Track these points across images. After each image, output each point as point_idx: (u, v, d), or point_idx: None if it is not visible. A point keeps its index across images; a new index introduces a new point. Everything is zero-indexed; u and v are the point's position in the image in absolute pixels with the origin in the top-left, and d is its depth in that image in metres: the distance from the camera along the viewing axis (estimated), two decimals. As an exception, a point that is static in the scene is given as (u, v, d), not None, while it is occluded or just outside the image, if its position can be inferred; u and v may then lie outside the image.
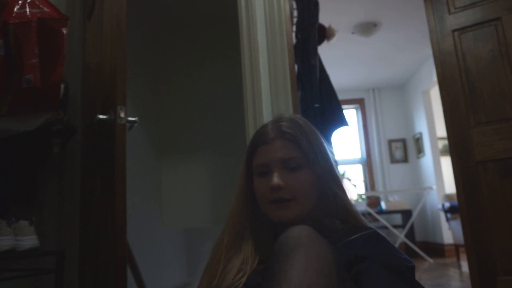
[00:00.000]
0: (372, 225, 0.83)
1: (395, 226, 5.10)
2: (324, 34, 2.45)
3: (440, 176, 5.14)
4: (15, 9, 1.60)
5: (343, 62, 5.09)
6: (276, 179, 0.81)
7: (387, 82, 5.98)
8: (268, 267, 0.72)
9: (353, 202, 0.85)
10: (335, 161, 0.91)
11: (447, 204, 4.17)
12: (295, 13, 2.21)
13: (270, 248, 0.77)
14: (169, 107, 2.89)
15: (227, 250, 0.85)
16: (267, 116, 1.56)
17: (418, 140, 5.64)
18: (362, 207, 5.22)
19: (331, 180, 0.85)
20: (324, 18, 2.45)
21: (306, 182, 0.82)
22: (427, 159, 5.37)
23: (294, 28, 2.18)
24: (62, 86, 1.81)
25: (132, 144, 1.83)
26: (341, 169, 5.60)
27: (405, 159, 5.93)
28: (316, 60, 2.11)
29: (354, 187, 5.72)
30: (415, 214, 4.89)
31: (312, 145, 0.85)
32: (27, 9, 1.62)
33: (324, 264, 0.62)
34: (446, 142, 3.86)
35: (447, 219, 4.29)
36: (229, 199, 0.94)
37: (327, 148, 0.89)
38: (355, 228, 0.80)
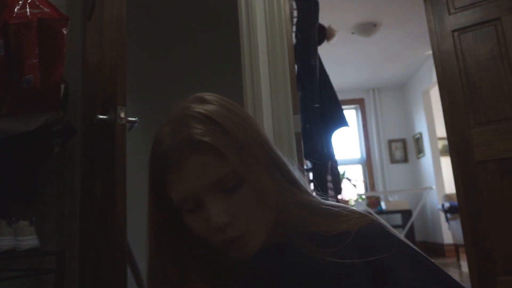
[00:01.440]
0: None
1: (395, 226, 5.10)
2: (324, 34, 2.45)
3: (440, 176, 5.14)
4: (16, 9, 1.60)
5: (343, 62, 5.09)
6: (215, 217, 0.54)
7: (387, 82, 5.98)
8: None
9: (316, 197, 0.64)
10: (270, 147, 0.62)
11: (447, 204, 4.17)
12: (295, 13, 2.22)
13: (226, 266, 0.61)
14: (169, 107, 2.89)
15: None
16: (267, 116, 1.55)
17: (418, 140, 5.64)
18: (362, 207, 5.22)
19: (281, 175, 0.60)
20: (324, 18, 2.45)
21: (255, 198, 0.56)
22: (427, 159, 5.37)
23: (294, 28, 2.18)
24: (62, 86, 1.81)
25: (132, 144, 1.83)
26: (341, 169, 5.59)
27: (405, 159, 5.93)
28: (316, 60, 2.12)
29: (354, 187, 5.72)
30: (415, 214, 4.89)
31: (244, 144, 0.56)
32: (28, 10, 1.63)
33: None
34: (446, 142, 3.86)
35: (447, 219, 4.29)
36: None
37: (260, 131, 0.61)
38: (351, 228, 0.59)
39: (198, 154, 0.54)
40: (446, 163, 5.04)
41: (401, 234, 4.81)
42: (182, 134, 0.55)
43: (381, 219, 0.62)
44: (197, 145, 0.54)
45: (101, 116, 1.47)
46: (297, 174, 0.63)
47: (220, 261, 0.62)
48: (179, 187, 0.55)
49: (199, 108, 0.58)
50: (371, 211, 4.93)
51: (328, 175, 2.05)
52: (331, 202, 0.64)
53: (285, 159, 0.62)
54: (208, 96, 0.62)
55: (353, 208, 0.64)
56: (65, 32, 1.70)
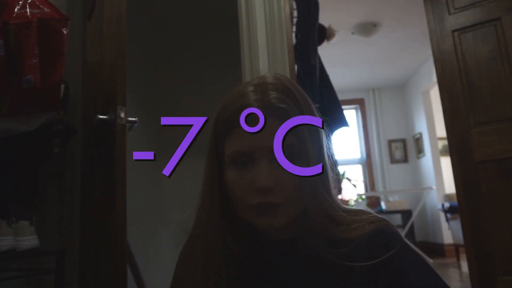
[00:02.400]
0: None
1: (395, 226, 5.10)
2: (324, 34, 2.45)
3: (440, 176, 5.14)
4: (16, 9, 1.60)
5: (343, 62, 5.10)
6: (265, 179, 0.57)
7: (387, 82, 5.98)
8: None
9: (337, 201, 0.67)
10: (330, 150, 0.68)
11: (447, 204, 4.17)
12: (295, 13, 2.22)
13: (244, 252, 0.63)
14: (169, 107, 2.89)
15: (202, 266, 0.63)
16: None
17: (418, 140, 5.64)
18: (362, 207, 5.22)
19: (324, 176, 0.63)
20: (324, 18, 2.45)
21: (297, 180, 0.59)
22: (427, 159, 5.37)
23: (294, 28, 2.18)
24: (62, 86, 1.81)
25: (132, 144, 1.83)
26: (341, 169, 5.60)
27: (405, 159, 5.93)
28: (316, 60, 2.12)
29: (354, 187, 5.72)
30: (415, 214, 4.89)
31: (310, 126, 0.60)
32: (28, 10, 1.63)
33: None
34: (446, 142, 3.86)
35: (447, 219, 4.29)
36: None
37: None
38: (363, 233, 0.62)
39: (275, 117, 0.58)
40: (446, 163, 5.04)
41: (401, 234, 4.81)
42: (263, 96, 0.60)
43: (381, 218, 0.64)
44: (274, 110, 0.58)
45: (101, 116, 1.47)
46: (331, 174, 0.65)
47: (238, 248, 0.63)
48: (242, 140, 0.59)
49: (276, 80, 0.63)
50: (371, 211, 4.93)
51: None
52: (349, 207, 0.66)
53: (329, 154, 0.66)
54: (279, 74, 0.67)
55: (369, 212, 0.66)
56: (65, 32, 1.70)
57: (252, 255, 0.64)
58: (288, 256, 0.63)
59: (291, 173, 0.58)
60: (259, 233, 0.64)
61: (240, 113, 0.59)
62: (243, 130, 0.59)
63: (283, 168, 0.58)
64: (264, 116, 0.58)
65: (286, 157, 0.57)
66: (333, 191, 0.65)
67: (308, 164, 0.58)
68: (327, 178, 0.64)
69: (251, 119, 0.58)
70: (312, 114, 0.62)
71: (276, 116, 0.58)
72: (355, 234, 0.61)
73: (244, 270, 0.63)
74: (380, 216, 0.64)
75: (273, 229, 0.60)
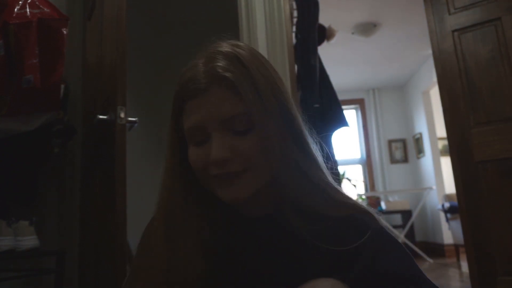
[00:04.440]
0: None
1: (395, 226, 5.11)
2: (324, 34, 2.45)
3: (440, 176, 5.14)
4: (16, 9, 1.60)
5: (343, 62, 5.09)
6: (216, 151, 0.55)
7: (387, 82, 5.98)
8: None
9: (327, 176, 0.63)
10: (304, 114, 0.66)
11: (447, 204, 4.17)
12: (295, 13, 2.22)
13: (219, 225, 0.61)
14: (169, 107, 2.89)
15: (166, 237, 0.60)
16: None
17: (418, 140, 5.64)
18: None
19: (294, 140, 0.60)
20: (324, 18, 2.45)
21: (260, 146, 0.56)
22: (427, 159, 5.37)
23: (294, 28, 2.18)
24: (62, 86, 1.81)
25: (132, 144, 1.83)
26: (341, 169, 5.59)
27: (405, 159, 5.93)
28: (316, 60, 2.12)
29: (354, 187, 5.72)
30: (415, 214, 4.89)
31: (264, 90, 0.57)
32: (28, 10, 1.63)
33: None
34: (446, 142, 3.86)
35: (447, 219, 4.29)
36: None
37: (289, 94, 0.63)
38: (349, 217, 0.59)
39: (218, 87, 0.56)
40: (446, 163, 5.04)
41: (401, 234, 4.82)
42: (208, 66, 0.58)
43: (382, 220, 0.62)
44: (219, 79, 0.56)
45: (101, 116, 1.47)
46: (313, 147, 0.62)
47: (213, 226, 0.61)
48: (193, 116, 0.57)
49: (230, 48, 0.61)
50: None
51: (328, 175, 2.05)
52: (339, 189, 0.62)
53: (303, 127, 0.62)
54: (241, 43, 0.64)
55: (359, 202, 0.63)
56: (65, 32, 1.70)
57: (225, 234, 0.61)
58: (260, 233, 0.61)
59: (249, 140, 0.56)
60: (235, 211, 0.62)
61: (188, 86, 0.58)
62: (191, 105, 0.58)
63: (240, 137, 0.56)
64: (208, 83, 0.56)
65: (239, 130, 0.56)
66: (322, 164, 0.63)
67: (265, 133, 0.56)
68: (305, 148, 0.61)
69: (198, 91, 0.57)
70: (261, 88, 0.57)
71: (221, 85, 0.56)
72: (332, 212, 0.59)
73: (212, 250, 0.60)
74: (367, 208, 0.61)
75: (240, 200, 0.57)
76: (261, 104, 0.56)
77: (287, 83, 1.60)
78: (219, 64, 0.58)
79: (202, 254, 0.58)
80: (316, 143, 0.64)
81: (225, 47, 0.61)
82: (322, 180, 0.60)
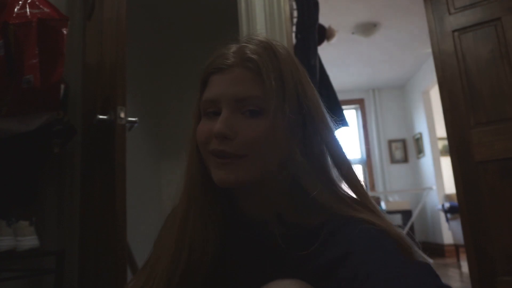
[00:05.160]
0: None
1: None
2: (324, 34, 2.45)
3: (440, 176, 5.14)
4: (16, 9, 1.60)
5: (343, 63, 5.09)
6: (220, 124, 0.55)
7: (387, 82, 5.98)
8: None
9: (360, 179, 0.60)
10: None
11: (447, 204, 4.17)
12: (295, 13, 2.21)
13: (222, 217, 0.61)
14: (169, 107, 2.89)
15: (185, 220, 0.61)
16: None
17: (418, 140, 5.64)
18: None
19: (319, 132, 0.59)
20: (324, 18, 2.45)
21: (267, 134, 0.55)
22: (427, 159, 5.37)
23: (294, 29, 2.18)
24: (62, 86, 1.81)
25: (132, 144, 1.83)
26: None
27: (405, 159, 5.93)
28: (316, 61, 2.11)
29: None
30: (415, 214, 4.89)
31: (284, 80, 0.58)
32: (27, 10, 1.63)
33: None
34: (446, 142, 3.86)
35: (447, 219, 4.29)
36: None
37: (313, 89, 0.63)
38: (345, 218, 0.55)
39: (242, 67, 0.58)
40: (446, 163, 5.04)
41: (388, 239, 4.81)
42: (240, 47, 0.61)
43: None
44: (245, 60, 0.58)
45: (101, 116, 1.47)
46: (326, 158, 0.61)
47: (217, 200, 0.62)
48: (212, 89, 0.59)
49: (267, 39, 0.62)
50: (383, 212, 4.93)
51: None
52: (337, 202, 0.58)
53: (332, 135, 0.62)
54: (274, 40, 0.65)
55: (379, 208, 0.60)
56: (65, 32, 1.70)
57: (228, 233, 0.62)
58: (250, 237, 0.61)
59: (256, 126, 0.56)
60: (242, 214, 0.62)
61: (215, 61, 0.61)
62: (214, 79, 0.60)
63: (248, 119, 0.56)
64: (233, 63, 0.58)
65: (251, 110, 0.56)
66: (333, 171, 0.60)
67: (275, 122, 0.55)
68: (316, 149, 0.59)
69: (223, 67, 0.59)
70: (283, 77, 0.58)
71: (246, 66, 0.58)
72: (313, 221, 0.56)
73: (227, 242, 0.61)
74: (375, 220, 0.54)
75: (227, 184, 0.56)
76: (280, 93, 0.56)
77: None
78: (250, 46, 0.60)
79: (216, 237, 0.59)
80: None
81: (263, 37, 0.63)
82: (318, 192, 0.57)
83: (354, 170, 0.61)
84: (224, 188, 0.59)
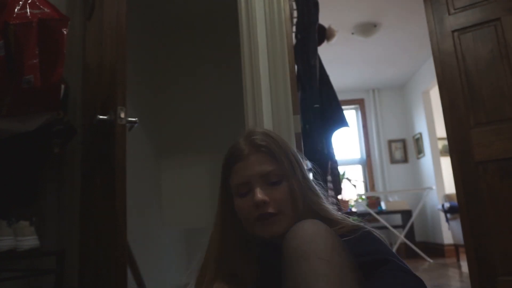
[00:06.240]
0: (371, 225, 0.83)
1: (395, 227, 5.10)
2: (324, 34, 2.45)
3: (440, 176, 5.14)
4: (16, 9, 1.60)
5: (343, 63, 5.09)
6: (259, 195, 0.78)
7: (387, 82, 5.98)
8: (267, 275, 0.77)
9: (330, 207, 0.87)
10: (310, 169, 0.94)
11: (447, 205, 4.17)
12: (295, 13, 2.21)
13: (253, 273, 0.82)
14: (169, 107, 2.89)
15: (214, 278, 0.83)
16: (267, 117, 1.56)
17: (418, 141, 5.64)
18: (362, 208, 5.22)
19: (308, 189, 0.85)
20: (324, 19, 2.45)
21: (289, 194, 0.81)
22: (427, 159, 5.37)
23: (294, 29, 2.18)
24: (62, 86, 1.81)
25: (132, 145, 1.83)
26: (341, 169, 5.58)
27: (405, 160, 5.93)
28: (316, 61, 2.11)
29: (354, 187, 5.72)
30: (415, 214, 4.89)
31: (288, 156, 0.84)
32: (28, 10, 1.63)
33: (335, 267, 0.61)
34: (446, 142, 3.87)
35: (447, 219, 4.29)
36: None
37: (300, 157, 0.89)
38: (345, 231, 0.78)
39: (257, 153, 0.83)
40: (446, 163, 5.04)
41: (401, 234, 4.82)
42: (248, 139, 0.85)
43: (368, 226, 0.79)
44: (257, 146, 0.83)
45: (101, 117, 1.47)
46: (313, 184, 0.88)
47: (248, 261, 0.85)
48: (239, 174, 0.83)
49: (260, 129, 0.91)
50: (371, 211, 4.93)
51: (328, 175, 2.05)
52: (335, 212, 0.85)
53: (308, 174, 0.89)
54: (264, 128, 1.03)
55: (349, 218, 0.84)
56: (65, 32, 1.70)
57: (260, 257, 0.85)
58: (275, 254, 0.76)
59: (281, 190, 0.81)
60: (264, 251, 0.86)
61: (233, 155, 0.85)
62: (238, 167, 0.83)
63: (273, 187, 0.81)
64: (249, 151, 0.83)
65: (273, 181, 0.81)
66: (324, 200, 0.86)
67: (291, 185, 0.82)
68: (313, 188, 0.87)
69: (242, 156, 0.83)
70: (287, 154, 0.84)
71: (259, 151, 0.83)
72: (340, 232, 0.76)
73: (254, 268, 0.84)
74: (357, 223, 0.81)
75: (277, 235, 0.77)
76: (288, 164, 0.83)
77: (287, 83, 1.60)
78: (256, 137, 0.85)
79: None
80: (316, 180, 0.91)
81: (256, 129, 0.89)
82: (326, 212, 0.84)
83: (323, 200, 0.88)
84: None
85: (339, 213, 0.86)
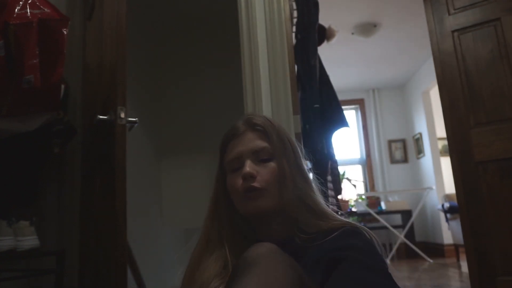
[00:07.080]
0: (371, 225, 0.82)
1: (395, 227, 5.10)
2: (324, 34, 2.45)
3: (440, 176, 5.14)
4: (16, 9, 1.60)
5: (343, 63, 5.10)
6: (248, 168, 0.81)
7: (387, 83, 5.98)
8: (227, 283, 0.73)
9: (322, 201, 0.86)
10: (307, 160, 0.92)
11: (447, 204, 4.17)
12: (295, 13, 2.22)
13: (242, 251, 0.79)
14: (169, 107, 2.89)
15: (202, 257, 0.84)
16: (267, 117, 1.56)
17: (418, 141, 5.64)
18: (362, 208, 5.22)
19: (299, 175, 0.84)
20: (324, 18, 2.45)
21: (277, 174, 0.82)
22: (427, 160, 5.37)
23: (294, 29, 2.18)
24: (62, 86, 1.81)
25: (132, 145, 1.83)
26: (341, 169, 5.59)
27: (405, 160, 5.93)
28: (316, 61, 2.11)
29: (354, 187, 5.72)
30: (415, 214, 4.89)
31: (281, 138, 0.86)
32: (28, 10, 1.63)
33: (277, 285, 0.60)
34: (446, 142, 3.86)
35: (447, 219, 4.29)
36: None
37: (297, 145, 0.90)
38: (334, 227, 0.77)
39: (252, 131, 0.86)
40: (446, 163, 5.04)
41: (401, 234, 4.82)
42: (245, 119, 0.89)
43: (358, 224, 0.79)
44: (252, 125, 0.87)
45: (101, 116, 1.47)
46: (310, 178, 0.88)
47: (240, 242, 0.84)
48: (234, 149, 0.85)
49: (264, 115, 0.94)
50: (371, 211, 4.93)
51: (328, 175, 2.05)
52: (327, 208, 0.85)
53: (306, 167, 0.90)
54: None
55: (340, 216, 0.84)
56: (65, 32, 1.70)
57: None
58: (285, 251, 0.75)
59: (269, 168, 0.82)
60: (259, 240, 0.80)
61: (230, 133, 0.88)
62: (232, 144, 0.86)
63: (264, 164, 0.83)
64: (245, 129, 0.86)
65: (263, 158, 0.83)
66: (319, 195, 0.86)
67: (281, 165, 0.83)
68: (307, 176, 0.87)
69: (237, 134, 0.86)
70: (281, 137, 0.86)
71: (254, 129, 0.86)
72: (324, 226, 0.78)
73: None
74: (350, 221, 0.81)
75: (261, 211, 0.80)
76: (280, 145, 0.85)
77: (287, 83, 1.60)
78: (254, 117, 0.88)
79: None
80: (313, 178, 0.91)
81: (258, 114, 0.92)
82: (316, 204, 0.83)
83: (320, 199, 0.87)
84: (252, 218, 0.84)
85: (336, 213, 0.85)
